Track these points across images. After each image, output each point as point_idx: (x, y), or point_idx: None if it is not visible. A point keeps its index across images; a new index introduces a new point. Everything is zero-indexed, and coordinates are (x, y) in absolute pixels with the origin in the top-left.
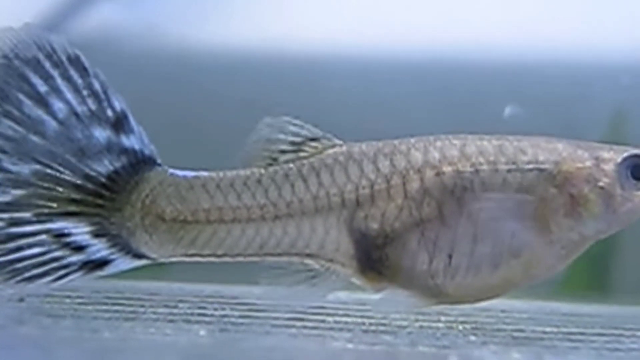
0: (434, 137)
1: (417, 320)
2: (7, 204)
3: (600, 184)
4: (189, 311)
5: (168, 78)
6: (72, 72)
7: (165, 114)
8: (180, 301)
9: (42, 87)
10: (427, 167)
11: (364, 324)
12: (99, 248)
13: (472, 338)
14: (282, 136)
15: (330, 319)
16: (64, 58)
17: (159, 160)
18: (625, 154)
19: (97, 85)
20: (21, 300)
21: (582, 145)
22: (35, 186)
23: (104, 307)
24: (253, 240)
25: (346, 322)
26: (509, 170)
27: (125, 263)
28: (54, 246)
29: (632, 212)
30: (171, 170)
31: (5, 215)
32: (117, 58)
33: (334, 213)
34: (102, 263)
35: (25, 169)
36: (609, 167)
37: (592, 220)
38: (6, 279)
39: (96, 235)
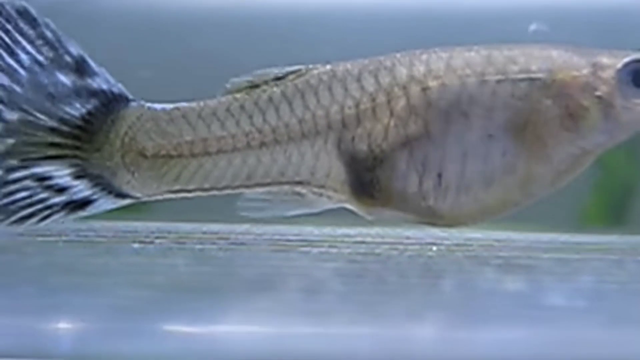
0: (421, 50)
1: (406, 250)
2: (3, 154)
3: (599, 93)
4: (166, 246)
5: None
6: (23, 24)
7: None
8: (158, 237)
9: (7, 39)
10: (412, 82)
11: (350, 254)
12: (81, 189)
13: (467, 265)
14: (266, 72)
15: (315, 250)
16: (12, 12)
17: (130, 97)
18: (626, 59)
19: (49, 34)
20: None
21: (579, 51)
22: (21, 133)
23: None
24: (240, 170)
25: (332, 253)
26: (498, 81)
27: (108, 203)
28: (38, 189)
29: (635, 122)
30: (149, 105)
31: (3, 164)
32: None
33: (321, 136)
34: (84, 203)
35: (14, 116)
36: (608, 74)
37: (591, 132)
38: (1, 221)
39: (77, 177)
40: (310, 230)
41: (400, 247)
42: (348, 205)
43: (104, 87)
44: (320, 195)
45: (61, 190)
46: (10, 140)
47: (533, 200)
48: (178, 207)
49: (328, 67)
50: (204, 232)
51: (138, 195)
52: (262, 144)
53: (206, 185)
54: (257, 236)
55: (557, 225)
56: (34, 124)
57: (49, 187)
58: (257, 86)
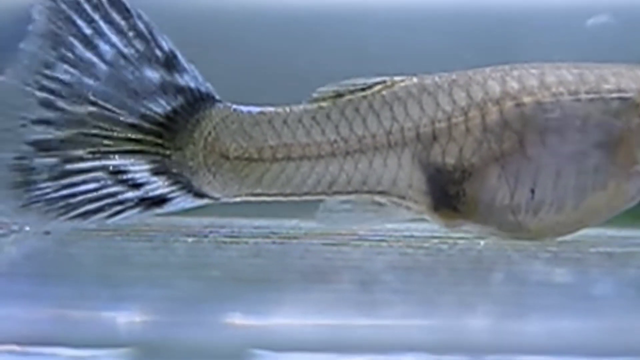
0: (510, 66)
1: (456, 244)
2: (62, 141)
3: None
4: (220, 240)
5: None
6: (114, 15)
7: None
8: (211, 232)
9: (88, 30)
10: (506, 98)
11: (401, 247)
12: (158, 185)
13: (516, 259)
14: (352, 82)
15: (366, 243)
16: (104, 0)
17: (217, 97)
18: None
19: (141, 26)
20: (47, 233)
21: None
22: (91, 126)
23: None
24: (322, 177)
25: (383, 247)
26: (591, 100)
27: (186, 202)
28: (109, 182)
29: None
30: (235, 106)
31: (59, 152)
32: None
33: (408, 148)
34: (161, 200)
35: (81, 109)
36: None
37: None
38: (59, 215)
39: (155, 173)
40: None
41: (450, 241)
42: (427, 217)
43: (192, 85)
44: (400, 205)
45: (136, 185)
46: (73, 131)
47: (613, 214)
48: (228, 203)
49: (415, 80)
50: (256, 227)
51: (217, 196)
52: (347, 153)
53: (287, 191)
54: (308, 231)
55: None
56: (110, 119)
57: (122, 182)
58: (342, 95)
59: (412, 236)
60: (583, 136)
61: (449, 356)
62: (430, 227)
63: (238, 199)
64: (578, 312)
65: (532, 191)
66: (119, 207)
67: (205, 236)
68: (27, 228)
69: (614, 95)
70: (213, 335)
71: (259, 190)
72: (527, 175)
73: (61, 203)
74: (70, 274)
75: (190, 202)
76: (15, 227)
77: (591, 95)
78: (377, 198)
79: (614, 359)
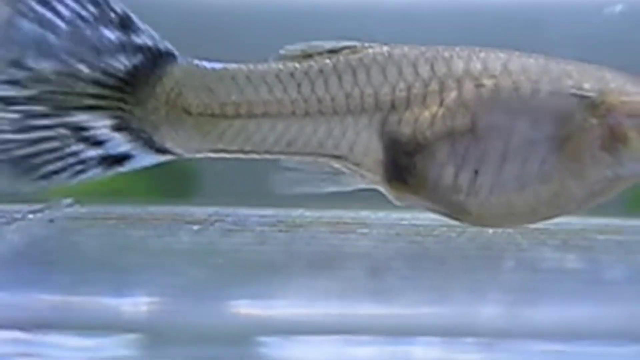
0: (480, 48)
1: (464, 232)
2: (27, 98)
3: None
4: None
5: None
6: None
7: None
8: (216, 220)
9: None
10: (467, 77)
11: (409, 235)
12: (119, 142)
13: (525, 246)
14: (321, 43)
15: (374, 231)
16: None
17: (177, 54)
18: None
19: None
20: (51, 221)
21: (632, 79)
22: (55, 83)
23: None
24: (282, 137)
25: (391, 235)
26: (550, 92)
27: (147, 159)
28: (71, 140)
29: None
30: (197, 62)
31: (23, 108)
32: None
33: (366, 114)
34: (123, 158)
35: (46, 66)
36: None
37: (630, 160)
38: (23, 176)
39: (116, 129)
40: (366, 215)
41: (458, 229)
42: (379, 188)
43: (150, 43)
44: (355, 172)
45: (98, 143)
46: (38, 87)
47: (558, 215)
48: (233, 192)
49: (385, 48)
50: (261, 216)
51: (179, 151)
52: (307, 114)
53: (247, 148)
54: (314, 219)
55: (611, 210)
56: (72, 75)
57: (84, 139)
58: (309, 56)
59: (419, 224)
60: (536, 126)
61: (460, 342)
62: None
63: (199, 155)
64: (589, 298)
65: (476, 172)
66: (80, 167)
67: (211, 224)
68: (30, 216)
69: (574, 91)
70: (219, 322)
71: (220, 147)
72: (473, 156)
73: (24, 164)
74: (74, 261)
75: (152, 158)
76: (18, 215)
77: (551, 88)
78: (334, 163)
79: (625, 344)
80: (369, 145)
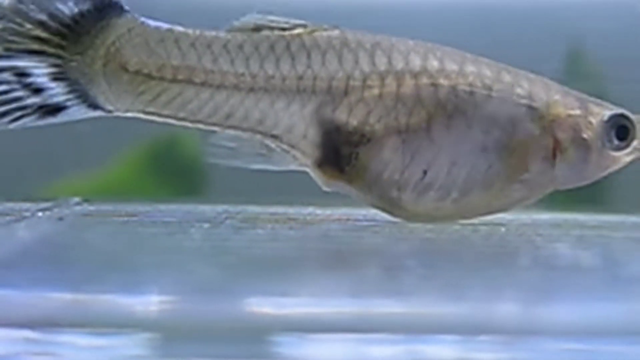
0: (433, 44)
1: (477, 231)
2: None
3: (584, 135)
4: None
5: None
6: None
7: None
8: (227, 218)
9: None
10: (424, 74)
11: (422, 233)
12: (56, 92)
13: (540, 244)
14: (272, 18)
15: (386, 229)
16: None
17: (127, 8)
18: (613, 112)
19: None
20: (60, 219)
21: (574, 93)
22: (8, 19)
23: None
24: (220, 108)
25: (404, 233)
26: (501, 99)
27: (79, 112)
28: (16, 86)
29: (602, 170)
30: (143, 19)
31: None
32: None
33: (315, 98)
34: (56, 109)
35: (4, 1)
36: (596, 120)
37: (565, 168)
38: None
39: (55, 78)
40: (375, 212)
41: (470, 227)
42: (309, 170)
43: None
44: (287, 153)
45: (38, 90)
46: None
47: (488, 215)
48: (243, 189)
49: (337, 32)
50: (272, 214)
51: (110, 108)
52: (251, 90)
53: (180, 115)
54: (326, 217)
55: (624, 208)
56: (24, 14)
57: (27, 85)
58: (259, 29)
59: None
60: (485, 132)
61: (476, 340)
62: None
63: (129, 114)
64: (606, 295)
65: (425, 172)
66: (19, 113)
67: (221, 222)
68: (39, 214)
69: (523, 101)
70: (231, 320)
71: (151, 109)
72: (424, 156)
73: None
74: (85, 259)
75: (84, 113)
76: (27, 213)
77: (502, 95)
78: (268, 141)
79: None
80: (308, 129)
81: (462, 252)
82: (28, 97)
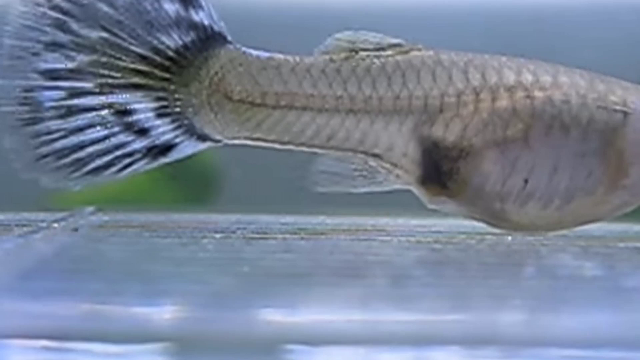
0: (526, 59)
1: (483, 240)
2: (71, 71)
3: None
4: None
5: None
6: None
7: None
8: (239, 228)
9: None
10: (518, 87)
11: (429, 243)
12: (163, 130)
13: (545, 253)
14: (365, 37)
15: (395, 239)
16: None
17: (229, 38)
18: None
19: None
20: (75, 229)
21: None
22: (101, 53)
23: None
24: (322, 130)
25: (413, 242)
26: (597, 107)
27: (189, 146)
28: (116, 128)
29: None
30: (244, 49)
31: (66, 84)
32: None
33: (412, 116)
34: (166, 148)
35: (92, 34)
36: None
37: None
38: (70, 172)
39: (159, 115)
40: (386, 222)
41: (477, 237)
42: (413, 189)
43: (206, 22)
44: (390, 172)
45: (142, 131)
46: (83, 58)
47: (594, 222)
48: (255, 199)
49: (431, 52)
50: (283, 224)
51: (218, 137)
52: (351, 111)
53: (285, 139)
54: (335, 226)
55: (631, 217)
56: (121, 47)
57: (129, 126)
58: (354, 52)
59: (439, 232)
60: (584, 140)
61: (482, 350)
62: (458, 223)
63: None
64: (610, 305)
65: (526, 181)
66: (128, 160)
67: (233, 232)
68: (55, 224)
69: (618, 107)
70: (245, 330)
71: (257, 135)
72: (524, 165)
73: (71, 157)
74: (101, 269)
75: (194, 146)
76: (43, 224)
77: (598, 103)
78: (370, 161)
79: None
80: (408, 147)
81: (468, 262)
82: (134, 141)
